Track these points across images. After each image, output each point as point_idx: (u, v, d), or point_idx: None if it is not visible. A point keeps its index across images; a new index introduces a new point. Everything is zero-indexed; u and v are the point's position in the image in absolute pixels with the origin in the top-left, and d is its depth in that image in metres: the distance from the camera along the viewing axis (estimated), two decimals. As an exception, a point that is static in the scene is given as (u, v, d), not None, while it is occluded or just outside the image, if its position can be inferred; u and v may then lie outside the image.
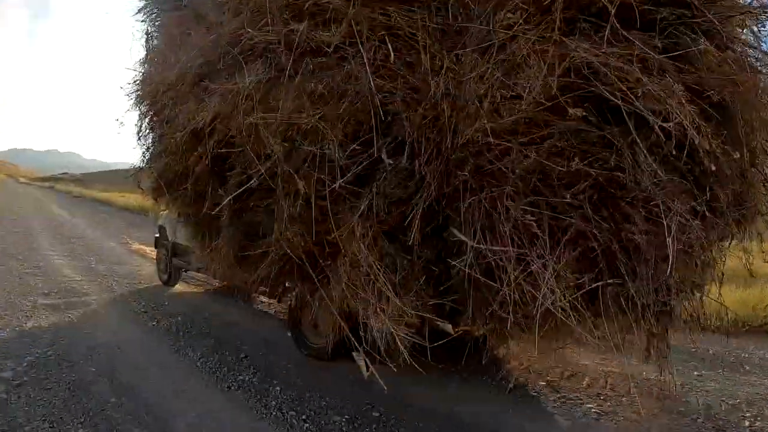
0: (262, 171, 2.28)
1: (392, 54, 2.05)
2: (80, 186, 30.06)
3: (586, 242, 1.90)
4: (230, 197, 2.49)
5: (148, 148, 3.68)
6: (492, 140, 1.95)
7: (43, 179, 51.84)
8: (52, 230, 10.48)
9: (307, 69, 2.28)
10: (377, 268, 2.12)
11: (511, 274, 1.90)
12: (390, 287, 2.10)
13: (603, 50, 1.79)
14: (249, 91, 2.33)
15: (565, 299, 1.85)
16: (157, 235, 5.67)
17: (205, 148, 2.66)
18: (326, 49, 2.25)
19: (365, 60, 2.06)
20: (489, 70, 2.00)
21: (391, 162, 2.03)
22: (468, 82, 2.05)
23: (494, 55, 2.01)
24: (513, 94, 1.96)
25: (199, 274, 5.22)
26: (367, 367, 2.40)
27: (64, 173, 60.48)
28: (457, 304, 2.24)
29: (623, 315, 1.99)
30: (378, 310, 2.15)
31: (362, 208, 2.18)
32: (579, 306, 1.89)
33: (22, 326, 3.83)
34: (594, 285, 1.93)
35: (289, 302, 3.66)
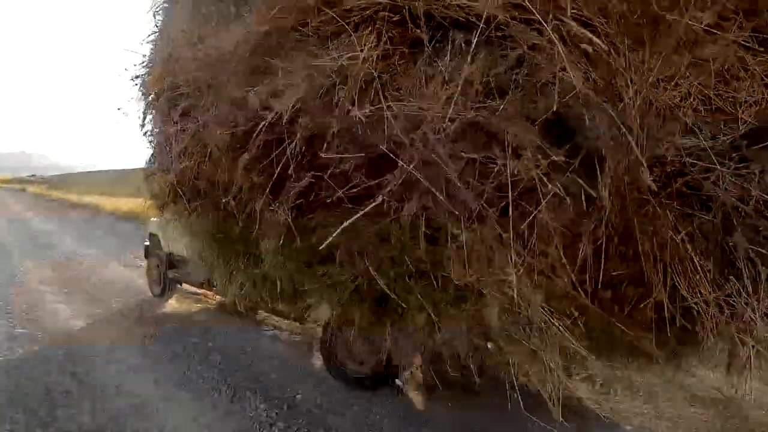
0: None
1: (594, 39, 1.57)
2: (52, 189, 26.85)
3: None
4: (348, 222, 1.75)
5: (161, 146, 2.63)
6: (695, 162, 1.64)
7: (12, 182, 46.38)
8: (37, 249, 7.57)
9: (448, 47, 1.70)
10: (550, 316, 1.69)
11: (712, 319, 1.64)
12: (570, 337, 1.68)
13: None
14: (366, 71, 1.66)
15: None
16: (147, 243, 4.90)
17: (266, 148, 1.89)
18: (475, 22, 1.69)
19: (556, 42, 1.55)
20: (686, 75, 1.67)
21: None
22: (652, 86, 1.70)
23: (691, 57, 1.68)
24: (716, 106, 1.67)
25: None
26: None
27: (32, 176, 55.19)
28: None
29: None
30: (552, 365, 1.74)
31: (516, 237, 1.71)
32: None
33: None
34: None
35: (325, 330, 3.05)
